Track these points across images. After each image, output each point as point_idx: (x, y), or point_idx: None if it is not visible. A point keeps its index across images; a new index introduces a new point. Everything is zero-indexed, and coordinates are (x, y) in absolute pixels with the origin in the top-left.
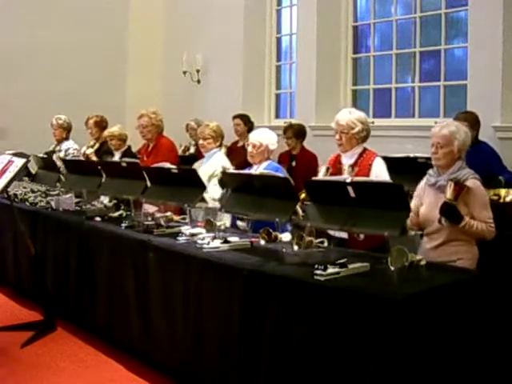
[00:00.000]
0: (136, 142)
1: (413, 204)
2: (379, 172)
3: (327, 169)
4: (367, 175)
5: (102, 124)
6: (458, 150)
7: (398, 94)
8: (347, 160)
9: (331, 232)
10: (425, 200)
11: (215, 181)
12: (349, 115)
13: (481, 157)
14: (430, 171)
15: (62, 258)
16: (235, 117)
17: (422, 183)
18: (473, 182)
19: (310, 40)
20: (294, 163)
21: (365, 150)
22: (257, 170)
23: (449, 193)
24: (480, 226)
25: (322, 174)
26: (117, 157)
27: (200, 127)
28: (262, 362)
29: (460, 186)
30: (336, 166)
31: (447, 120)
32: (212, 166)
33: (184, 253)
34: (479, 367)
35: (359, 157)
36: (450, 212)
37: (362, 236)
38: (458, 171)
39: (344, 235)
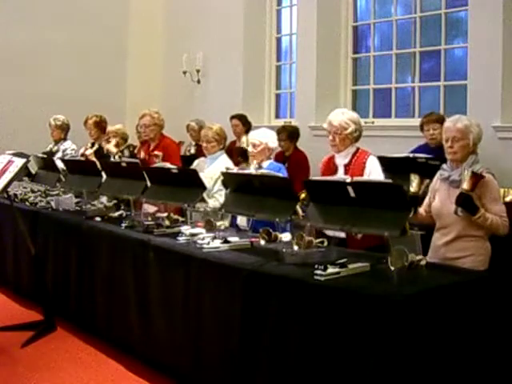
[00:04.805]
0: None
1: (427, 197)
2: (373, 170)
3: None
4: (361, 174)
5: (101, 124)
6: (474, 143)
7: (398, 94)
8: (341, 160)
9: (329, 233)
10: (437, 194)
11: (220, 185)
12: (341, 116)
13: None
14: (444, 166)
15: (62, 258)
16: (233, 117)
17: (436, 177)
18: (487, 176)
19: (310, 40)
20: (286, 164)
21: (358, 149)
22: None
23: (466, 183)
24: (495, 220)
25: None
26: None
27: (203, 130)
28: (262, 361)
29: (477, 177)
30: (330, 167)
31: (456, 115)
32: (218, 169)
33: (184, 253)
34: (481, 368)
35: (353, 156)
36: (466, 202)
37: (359, 235)
38: (472, 165)
39: (342, 235)
